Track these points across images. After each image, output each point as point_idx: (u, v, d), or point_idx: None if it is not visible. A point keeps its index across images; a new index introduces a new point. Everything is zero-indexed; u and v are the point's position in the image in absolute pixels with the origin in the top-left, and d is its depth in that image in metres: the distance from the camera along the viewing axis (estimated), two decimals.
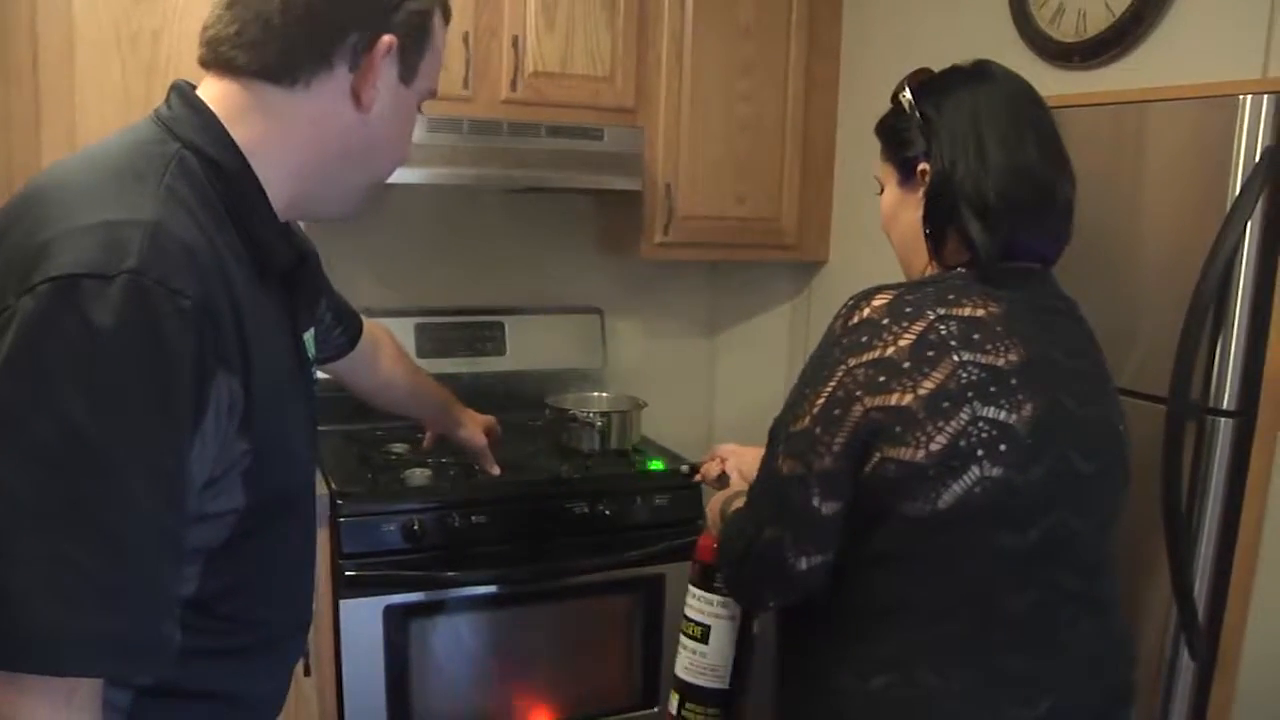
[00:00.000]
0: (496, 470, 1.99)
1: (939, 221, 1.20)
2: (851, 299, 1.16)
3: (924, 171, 1.22)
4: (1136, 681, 1.28)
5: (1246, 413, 1.56)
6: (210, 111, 0.93)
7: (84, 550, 0.76)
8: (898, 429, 1.07)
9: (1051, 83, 1.99)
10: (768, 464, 1.19)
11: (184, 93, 0.95)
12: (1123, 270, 1.68)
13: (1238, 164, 1.50)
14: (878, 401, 1.08)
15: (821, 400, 1.11)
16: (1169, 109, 1.61)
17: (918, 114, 1.23)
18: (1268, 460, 1.56)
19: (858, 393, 1.09)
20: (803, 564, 1.14)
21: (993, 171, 1.16)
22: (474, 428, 1.92)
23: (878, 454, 1.09)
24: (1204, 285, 1.50)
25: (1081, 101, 1.77)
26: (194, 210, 0.87)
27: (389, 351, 1.73)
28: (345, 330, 1.55)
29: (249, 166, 0.93)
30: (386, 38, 0.95)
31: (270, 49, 0.92)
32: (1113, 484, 1.22)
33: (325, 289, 1.35)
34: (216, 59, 0.94)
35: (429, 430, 1.96)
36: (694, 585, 1.44)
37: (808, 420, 1.12)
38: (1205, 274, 1.50)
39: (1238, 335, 1.54)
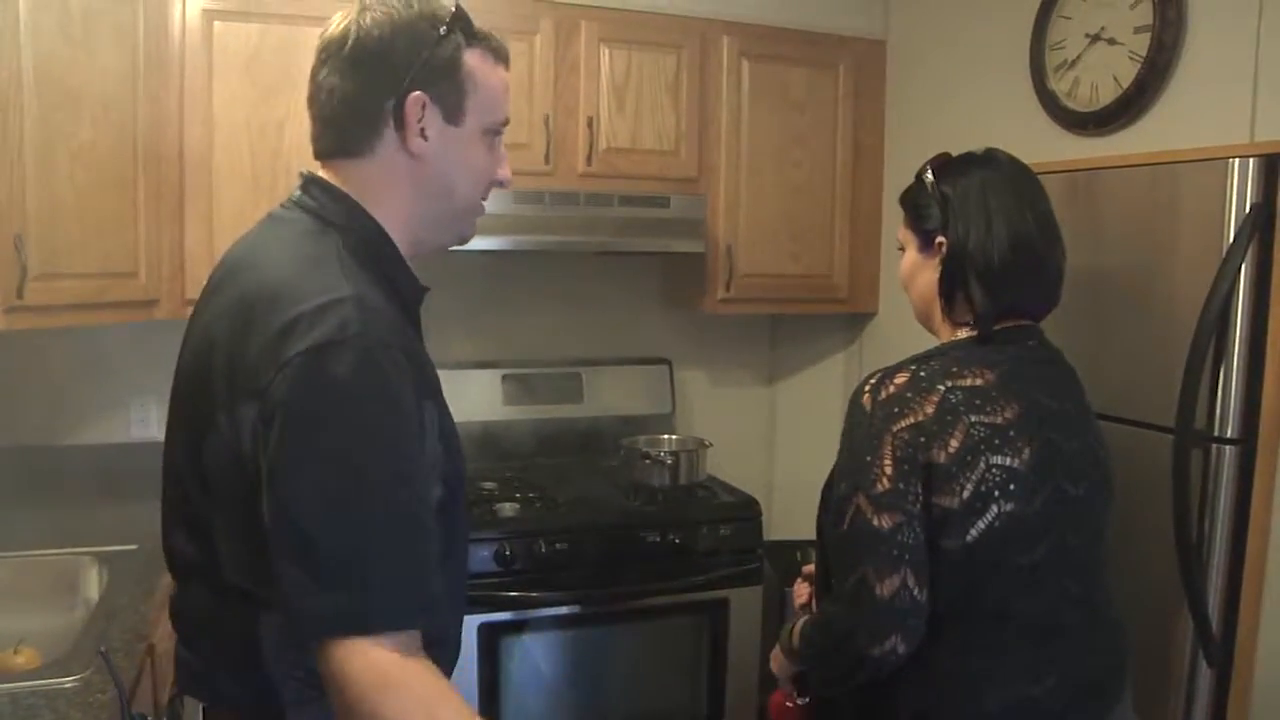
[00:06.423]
0: None
1: (951, 285, 1.42)
2: (873, 378, 1.38)
3: (941, 244, 1.43)
4: (1129, 663, 1.45)
5: (1248, 440, 1.70)
6: (343, 192, 1.14)
7: (364, 540, 0.95)
8: (939, 481, 1.30)
9: (1069, 148, 2.20)
10: (856, 529, 1.31)
11: (318, 182, 1.16)
12: (1133, 314, 1.85)
13: (1230, 218, 1.67)
14: (925, 458, 1.30)
15: (889, 461, 1.30)
16: (1169, 170, 1.80)
17: (938, 191, 1.44)
18: (1269, 481, 1.69)
19: (910, 450, 1.30)
20: (925, 596, 1.29)
21: (997, 243, 1.38)
22: None
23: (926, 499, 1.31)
24: (1204, 322, 1.66)
25: (1095, 165, 1.97)
26: (362, 277, 1.07)
27: None
28: None
29: (381, 226, 1.14)
30: (413, 95, 1.11)
31: (341, 135, 1.14)
32: (1099, 502, 1.43)
33: None
34: (318, 154, 1.17)
35: None
36: None
37: (887, 481, 1.30)
38: (1204, 314, 1.66)
39: (1236, 368, 1.69)
